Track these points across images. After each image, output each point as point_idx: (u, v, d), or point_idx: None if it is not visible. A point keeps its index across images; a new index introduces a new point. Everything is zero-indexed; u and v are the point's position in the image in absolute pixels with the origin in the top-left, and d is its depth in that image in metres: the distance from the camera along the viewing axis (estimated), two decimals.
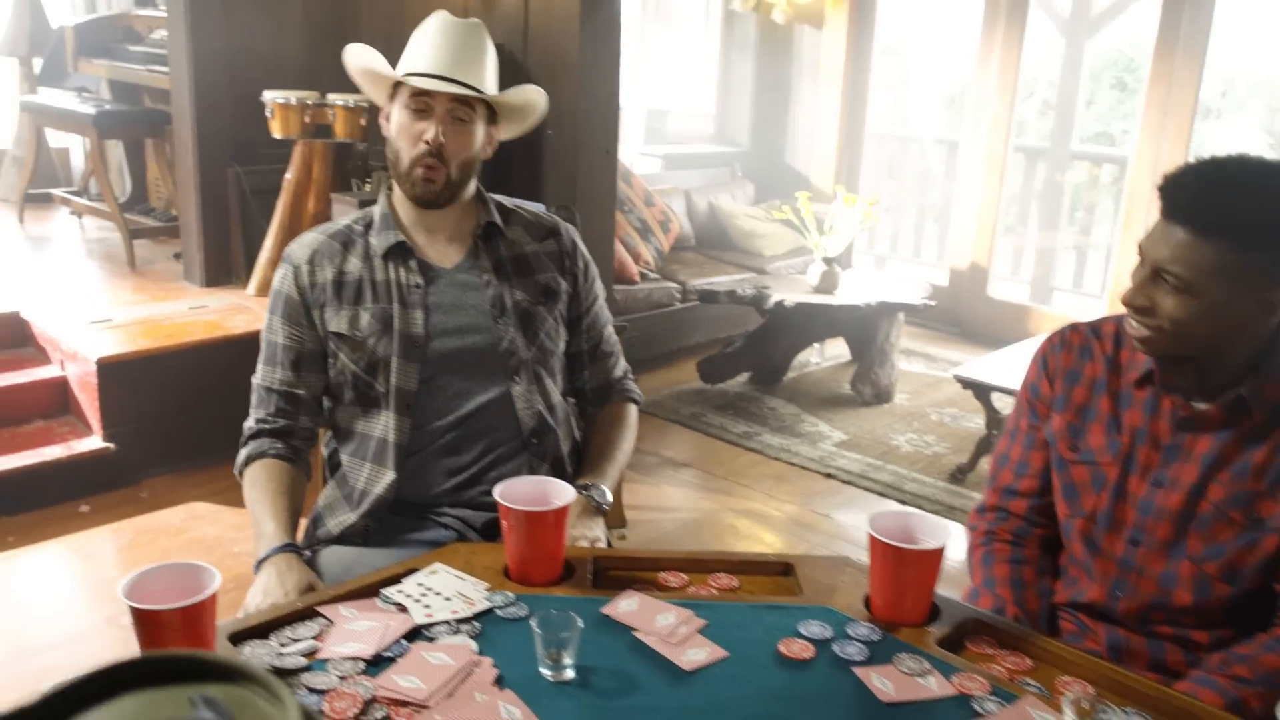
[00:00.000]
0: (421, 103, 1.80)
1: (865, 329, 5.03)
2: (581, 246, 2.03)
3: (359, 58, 1.90)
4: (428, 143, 1.79)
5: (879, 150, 7.39)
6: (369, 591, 1.44)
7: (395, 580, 1.47)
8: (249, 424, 1.88)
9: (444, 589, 1.45)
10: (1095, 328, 1.68)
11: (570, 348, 2.00)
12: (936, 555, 1.40)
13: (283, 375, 1.85)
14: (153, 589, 1.21)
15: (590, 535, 1.76)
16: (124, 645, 2.83)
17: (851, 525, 3.75)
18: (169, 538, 3.43)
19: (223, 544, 3.40)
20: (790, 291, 4.89)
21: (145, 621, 1.17)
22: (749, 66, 7.14)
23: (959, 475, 4.13)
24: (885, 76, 7.58)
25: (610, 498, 1.86)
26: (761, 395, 5.03)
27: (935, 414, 4.90)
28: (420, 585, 1.46)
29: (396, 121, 1.83)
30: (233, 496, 3.62)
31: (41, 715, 0.43)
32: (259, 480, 1.80)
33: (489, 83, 1.86)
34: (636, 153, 6.69)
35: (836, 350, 5.66)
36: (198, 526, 3.51)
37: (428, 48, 1.82)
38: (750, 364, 5.15)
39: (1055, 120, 6.63)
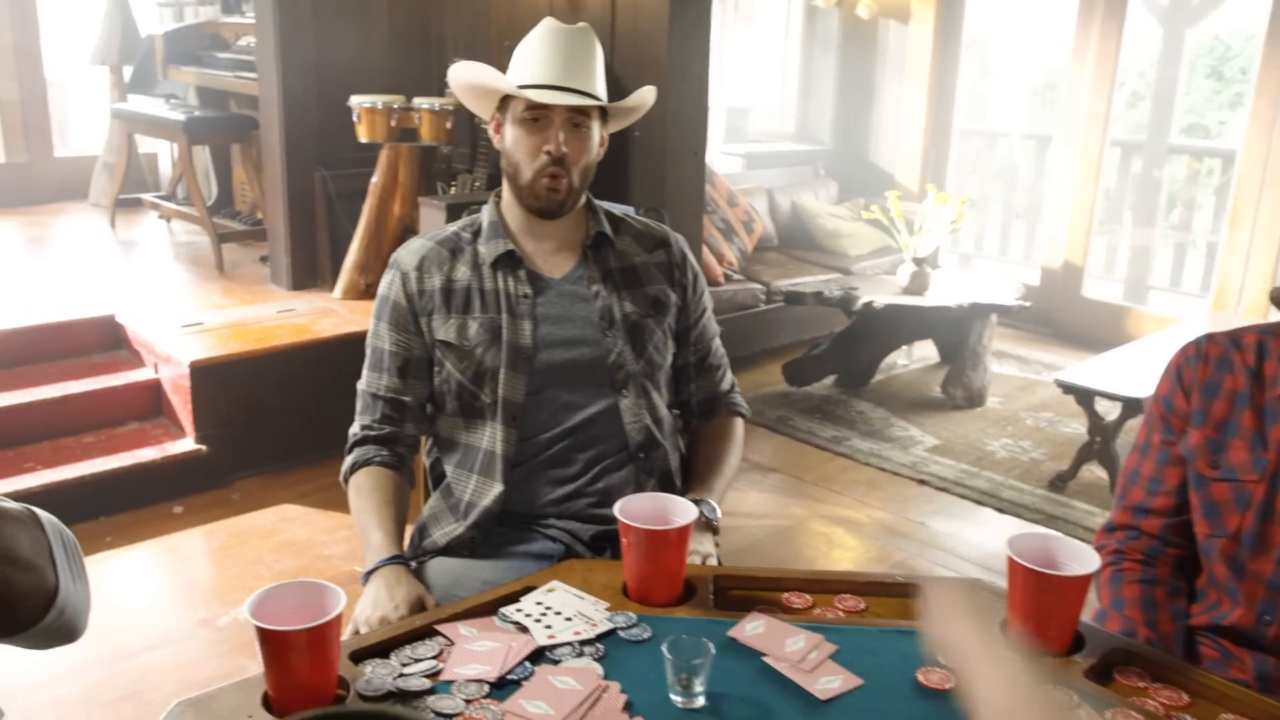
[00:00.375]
0: (538, 112, 1.77)
1: (956, 331, 4.91)
2: (691, 257, 1.98)
3: (468, 73, 1.86)
4: (550, 153, 1.76)
5: (963, 146, 7.22)
6: (487, 609, 1.40)
7: (513, 599, 1.43)
8: (354, 430, 1.86)
9: (564, 608, 1.40)
10: (1235, 338, 1.58)
11: (677, 360, 1.95)
12: (1085, 582, 1.32)
13: (389, 382, 1.83)
14: (277, 608, 1.18)
15: (702, 550, 1.71)
16: (218, 648, 2.85)
17: (947, 534, 3.65)
18: (260, 540, 3.46)
19: (313, 547, 3.42)
20: (878, 292, 4.79)
21: (272, 642, 1.14)
22: (831, 63, 7.04)
23: (1059, 483, 3.99)
24: (968, 69, 7.40)
25: (720, 513, 1.81)
26: (849, 398, 4.94)
27: (1031, 418, 4.76)
28: (539, 604, 1.41)
29: (512, 135, 1.80)
30: (322, 499, 3.65)
31: None
32: (364, 489, 1.78)
33: (601, 86, 1.82)
34: (718, 152, 6.62)
35: (924, 352, 5.54)
36: (288, 529, 3.53)
37: (539, 57, 1.79)
38: (837, 366, 5.05)
39: (1151, 113, 6.40)
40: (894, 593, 1.51)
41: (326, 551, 3.38)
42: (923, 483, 4.04)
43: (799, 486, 4.03)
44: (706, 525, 1.77)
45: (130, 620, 2.99)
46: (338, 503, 3.60)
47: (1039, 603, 1.33)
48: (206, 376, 3.75)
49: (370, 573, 1.65)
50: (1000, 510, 3.82)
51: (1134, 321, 5.81)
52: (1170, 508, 1.61)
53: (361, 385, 1.87)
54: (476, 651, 1.30)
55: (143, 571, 3.32)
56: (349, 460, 1.83)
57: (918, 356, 5.53)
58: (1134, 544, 1.64)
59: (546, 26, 1.83)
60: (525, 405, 1.78)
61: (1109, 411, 3.94)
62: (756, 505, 3.86)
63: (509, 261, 1.83)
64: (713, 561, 1.71)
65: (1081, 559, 1.36)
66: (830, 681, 1.27)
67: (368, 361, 1.87)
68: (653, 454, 1.83)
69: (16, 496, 3.36)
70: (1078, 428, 4.36)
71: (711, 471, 1.89)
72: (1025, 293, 5.11)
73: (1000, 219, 7.25)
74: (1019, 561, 1.33)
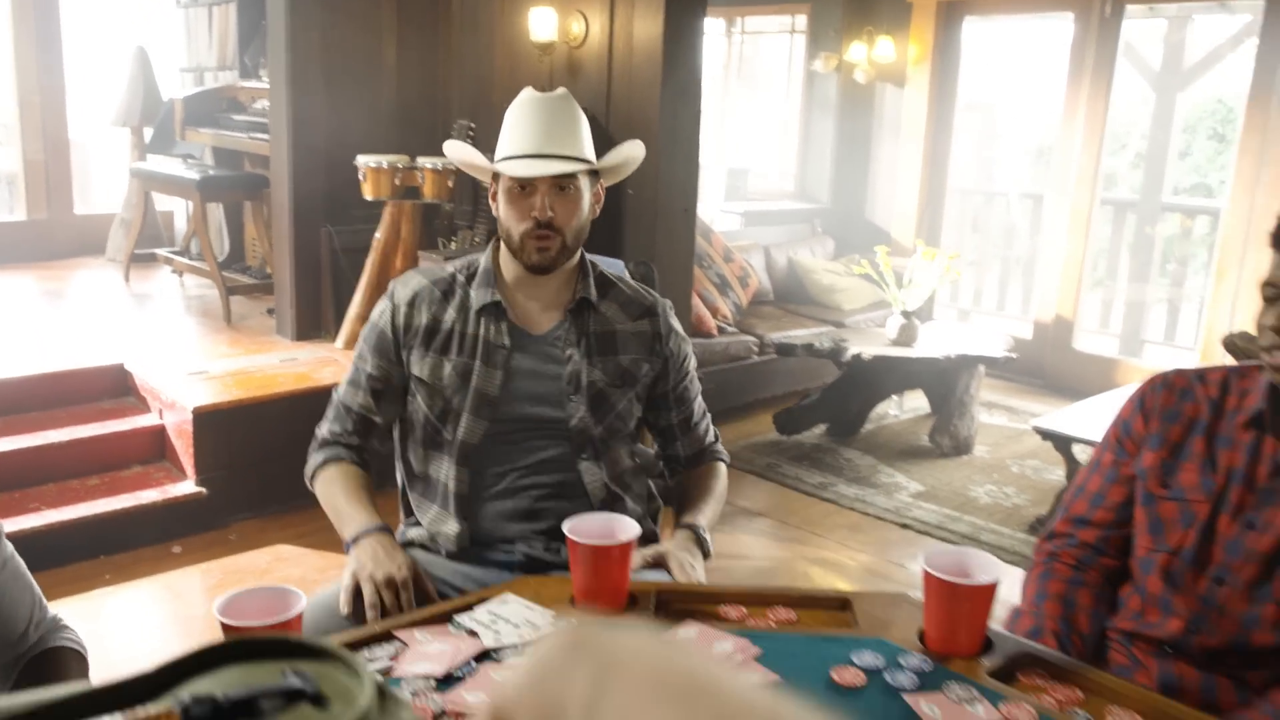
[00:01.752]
0: (524, 181, 1.84)
1: (944, 381, 5.01)
2: (676, 326, 2.03)
3: (458, 153, 2.00)
4: (535, 218, 1.84)
5: (962, 205, 7.40)
6: (442, 618, 1.51)
7: (468, 608, 1.54)
8: (322, 433, 1.96)
9: (513, 617, 1.51)
10: (1201, 374, 1.69)
11: (661, 421, 2.04)
12: (990, 590, 1.42)
13: (363, 400, 1.93)
14: (245, 609, 1.29)
15: (689, 560, 1.78)
16: None
17: None
18: (255, 578, 3.55)
19: (306, 584, 3.46)
20: (868, 344, 4.90)
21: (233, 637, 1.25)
22: (830, 125, 7.23)
23: (1038, 526, 4.07)
24: (969, 132, 7.61)
25: (708, 536, 1.88)
26: (838, 447, 5.03)
27: (1016, 466, 4.85)
28: (491, 613, 1.52)
29: (503, 204, 1.88)
30: (317, 540, 3.74)
31: (154, 682, 0.49)
32: (338, 478, 1.89)
33: (585, 148, 1.89)
34: (717, 210, 6.80)
35: (916, 403, 5.64)
36: (282, 568, 3.63)
37: (520, 129, 1.86)
38: (827, 416, 5.15)
39: (1145, 173, 6.57)
40: (824, 605, 1.61)
41: (320, 590, 3.47)
42: (905, 527, 4.12)
43: (784, 530, 4.11)
44: (697, 542, 1.85)
45: (128, 654, 3.07)
46: (332, 544, 3.67)
47: (950, 609, 1.44)
48: (209, 422, 3.88)
49: (357, 539, 1.75)
50: None
51: (1124, 373, 5.90)
52: (1109, 521, 1.71)
53: (337, 395, 1.97)
54: (428, 652, 1.41)
55: (141, 607, 3.42)
56: (318, 458, 1.93)
57: (909, 407, 5.63)
58: (1069, 550, 1.74)
59: (525, 97, 1.91)
60: (481, 450, 1.88)
61: (1087, 457, 4.01)
62: (742, 547, 3.95)
63: (494, 311, 1.91)
64: (699, 577, 1.77)
65: (990, 569, 1.46)
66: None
67: (348, 375, 1.97)
68: (614, 507, 1.90)
69: (22, 535, 3.46)
70: (1061, 474, 4.44)
71: (701, 499, 1.98)
72: (1015, 345, 5.21)
73: (998, 275, 7.40)
74: (931, 572, 1.43)
